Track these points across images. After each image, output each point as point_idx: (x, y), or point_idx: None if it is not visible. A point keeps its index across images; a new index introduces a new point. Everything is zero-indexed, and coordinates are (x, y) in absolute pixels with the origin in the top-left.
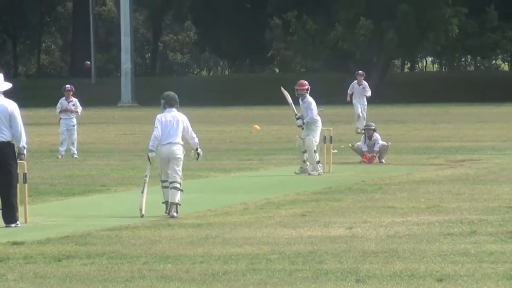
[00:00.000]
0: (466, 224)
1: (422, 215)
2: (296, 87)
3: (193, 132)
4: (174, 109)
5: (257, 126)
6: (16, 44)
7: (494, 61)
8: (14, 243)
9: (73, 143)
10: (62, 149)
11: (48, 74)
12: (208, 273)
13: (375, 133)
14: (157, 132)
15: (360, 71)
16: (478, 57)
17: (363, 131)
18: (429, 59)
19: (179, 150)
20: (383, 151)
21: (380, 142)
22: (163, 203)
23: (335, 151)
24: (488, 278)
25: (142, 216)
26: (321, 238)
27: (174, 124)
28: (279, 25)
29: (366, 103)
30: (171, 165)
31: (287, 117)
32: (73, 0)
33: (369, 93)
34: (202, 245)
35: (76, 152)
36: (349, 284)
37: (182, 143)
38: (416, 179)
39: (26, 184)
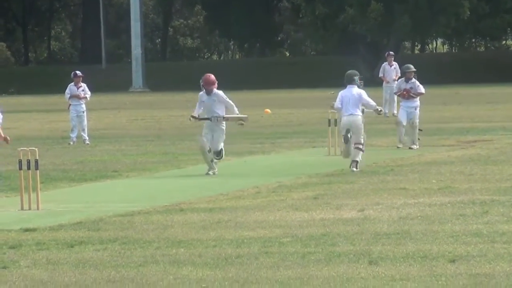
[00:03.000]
0: (478, 205)
1: (434, 196)
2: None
3: (370, 101)
4: (354, 86)
5: (268, 110)
6: (26, 31)
7: (504, 42)
8: (27, 230)
9: (83, 129)
10: (73, 135)
11: (58, 60)
12: (221, 257)
13: (414, 76)
14: (336, 104)
15: (390, 52)
16: (488, 38)
17: (391, 115)
18: (440, 40)
19: (358, 120)
20: (412, 131)
21: (421, 89)
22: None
23: None
24: (501, 258)
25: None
26: (333, 221)
27: (351, 99)
28: (288, 7)
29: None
30: (354, 132)
31: (297, 101)
32: None
33: (399, 74)
34: (214, 229)
35: (87, 138)
36: (362, 266)
37: (360, 114)
38: (428, 160)
39: (38, 171)
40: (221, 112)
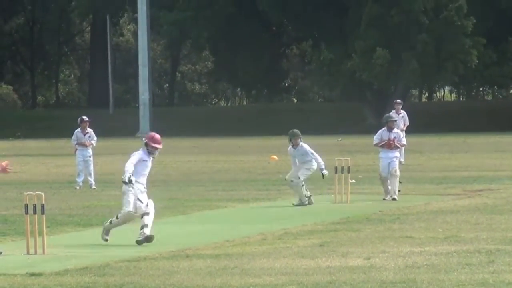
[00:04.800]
0: (484, 254)
1: (440, 245)
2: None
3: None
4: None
5: (275, 157)
6: (34, 75)
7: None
8: (32, 274)
9: (90, 174)
10: (79, 180)
11: (66, 104)
12: None
13: (396, 126)
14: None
15: (398, 100)
16: (495, 87)
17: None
18: (447, 88)
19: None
20: (394, 180)
21: (404, 140)
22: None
23: (353, 181)
24: None
25: None
26: (339, 268)
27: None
28: (296, 54)
29: (404, 134)
30: None
31: None
32: (91, 31)
33: (407, 123)
34: (220, 276)
35: (94, 182)
36: None
37: None
38: (434, 209)
39: (44, 215)
40: None
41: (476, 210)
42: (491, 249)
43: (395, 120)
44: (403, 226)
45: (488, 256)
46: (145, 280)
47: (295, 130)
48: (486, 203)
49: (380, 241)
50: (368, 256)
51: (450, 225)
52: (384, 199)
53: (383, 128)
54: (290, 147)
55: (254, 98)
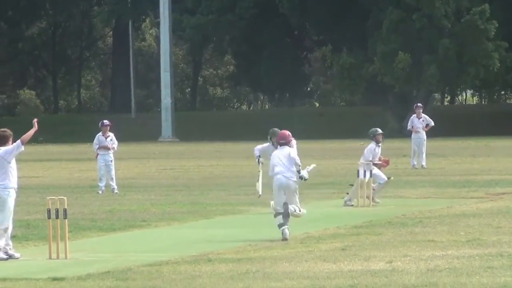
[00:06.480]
0: (506, 257)
1: (462, 248)
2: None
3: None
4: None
5: None
6: (56, 79)
7: None
8: (55, 279)
9: (112, 179)
10: (101, 184)
11: (87, 109)
12: None
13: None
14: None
15: (419, 104)
16: None
17: (420, 167)
18: (469, 92)
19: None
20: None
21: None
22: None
23: (375, 184)
24: None
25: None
26: (362, 272)
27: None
28: (318, 58)
29: (425, 137)
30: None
31: (327, 151)
32: (113, 35)
33: (432, 123)
34: (242, 280)
35: (116, 187)
36: None
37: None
38: (456, 212)
39: (67, 220)
40: None
41: (498, 214)
42: None
43: (382, 133)
44: (425, 229)
45: (510, 260)
46: (167, 284)
47: (275, 129)
48: (508, 206)
49: (402, 244)
50: (390, 260)
51: (472, 228)
52: (352, 204)
53: (372, 144)
54: (269, 144)
55: (276, 102)
